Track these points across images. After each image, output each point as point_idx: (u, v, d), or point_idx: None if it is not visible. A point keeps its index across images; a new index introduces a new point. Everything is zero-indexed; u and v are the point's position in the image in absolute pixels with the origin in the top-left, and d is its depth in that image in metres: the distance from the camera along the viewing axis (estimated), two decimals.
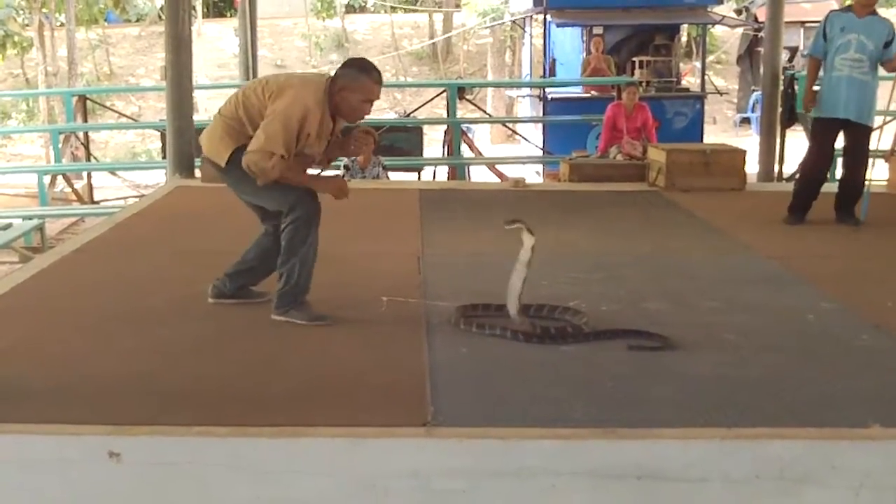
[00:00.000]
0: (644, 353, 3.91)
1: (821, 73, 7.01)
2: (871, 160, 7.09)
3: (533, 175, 12.92)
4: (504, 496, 2.95)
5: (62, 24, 21.29)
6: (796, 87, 10.38)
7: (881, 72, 6.94)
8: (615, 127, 10.33)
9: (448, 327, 4.22)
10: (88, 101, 14.02)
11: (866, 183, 6.98)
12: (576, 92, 14.35)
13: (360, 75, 4.18)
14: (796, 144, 11.54)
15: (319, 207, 4.26)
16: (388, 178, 9.61)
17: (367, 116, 4.38)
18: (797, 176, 7.80)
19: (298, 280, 4.26)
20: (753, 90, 20.49)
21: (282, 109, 4.07)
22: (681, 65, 16.17)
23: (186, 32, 8.89)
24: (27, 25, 22.98)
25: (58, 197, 12.71)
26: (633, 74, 14.20)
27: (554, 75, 14.63)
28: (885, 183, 8.77)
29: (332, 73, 4.29)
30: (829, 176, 7.32)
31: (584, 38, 14.72)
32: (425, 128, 13.26)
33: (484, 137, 19.69)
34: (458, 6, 28.34)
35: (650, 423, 3.13)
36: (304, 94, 4.12)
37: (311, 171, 4.46)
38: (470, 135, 13.59)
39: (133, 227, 6.78)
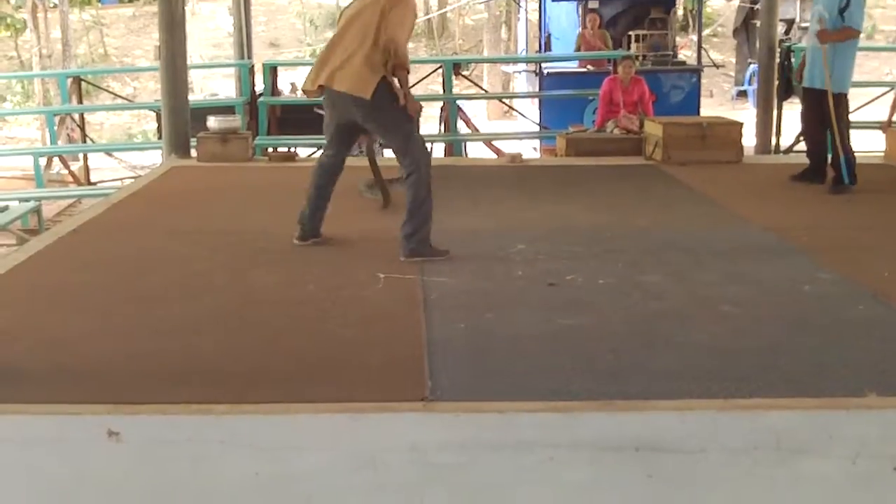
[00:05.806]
0: (640, 326, 3.92)
1: None
2: (841, 126, 7.12)
3: (530, 150, 12.87)
4: (502, 469, 2.96)
5: (55, 6, 21.14)
6: (793, 60, 10.39)
7: (863, 42, 7.06)
8: (612, 101, 10.28)
9: (445, 302, 4.23)
10: (83, 83, 13.93)
11: (839, 147, 7.03)
12: (572, 67, 14.28)
13: None
14: (793, 117, 11.49)
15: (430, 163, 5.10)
16: (382, 155, 9.55)
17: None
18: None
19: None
20: (750, 63, 20.40)
21: (399, 19, 4.93)
22: (677, 38, 16.08)
23: (180, 12, 8.84)
24: (20, 7, 22.88)
25: (54, 179, 12.66)
26: (629, 49, 14.14)
27: (549, 50, 14.56)
28: (881, 154, 8.77)
29: None
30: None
31: (580, 13, 14.64)
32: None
33: (480, 113, 19.63)
34: None
35: (648, 395, 3.13)
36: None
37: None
38: (466, 111, 13.54)
39: (129, 207, 6.77)
